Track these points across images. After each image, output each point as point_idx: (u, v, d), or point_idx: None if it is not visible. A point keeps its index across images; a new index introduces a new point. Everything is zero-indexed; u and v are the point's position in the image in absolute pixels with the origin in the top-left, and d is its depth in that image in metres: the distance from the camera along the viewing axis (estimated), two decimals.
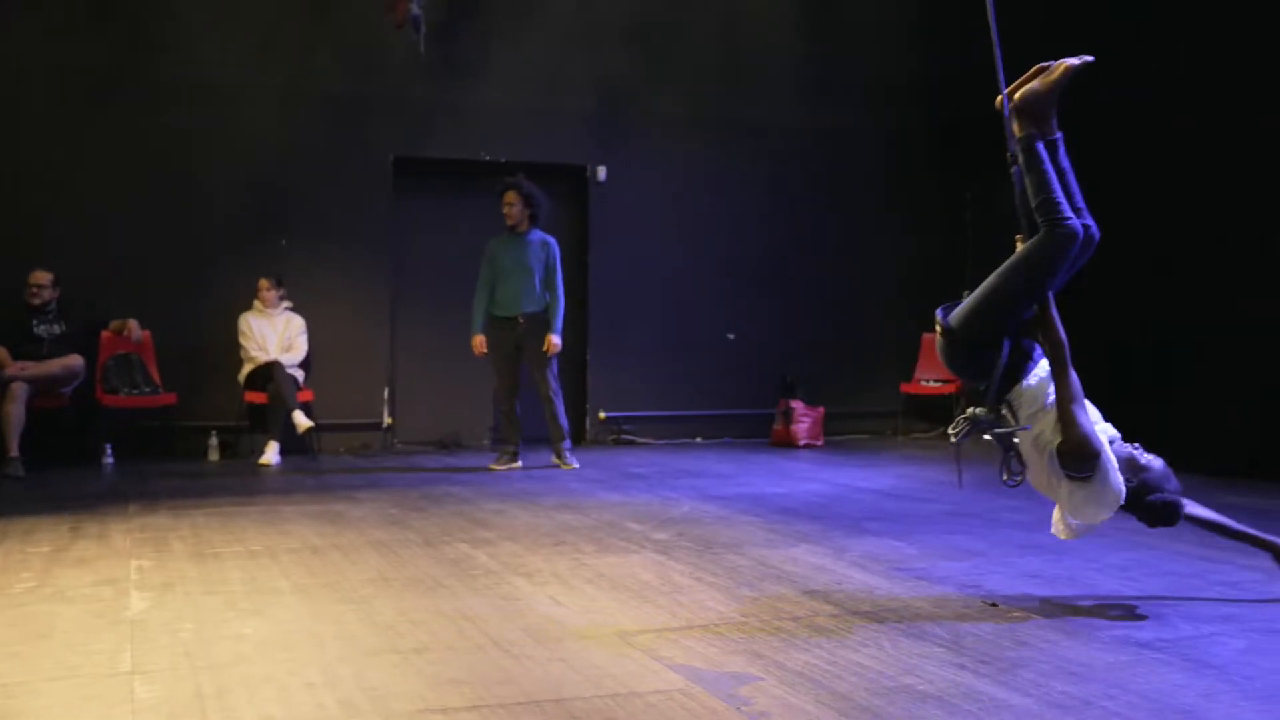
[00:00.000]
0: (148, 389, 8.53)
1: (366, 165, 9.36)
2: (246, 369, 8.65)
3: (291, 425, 8.38)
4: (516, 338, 8.09)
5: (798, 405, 9.78)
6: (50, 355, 8.14)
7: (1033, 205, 3.97)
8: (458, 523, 5.85)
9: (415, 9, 9.03)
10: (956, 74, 10.46)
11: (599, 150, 9.91)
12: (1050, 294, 3.99)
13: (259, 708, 2.99)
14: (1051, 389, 3.93)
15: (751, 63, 10.34)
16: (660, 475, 7.80)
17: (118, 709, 2.97)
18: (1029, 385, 3.99)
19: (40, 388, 8.03)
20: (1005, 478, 4.10)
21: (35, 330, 8.19)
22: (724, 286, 10.27)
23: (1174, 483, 4.03)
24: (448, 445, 9.45)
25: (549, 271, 8.14)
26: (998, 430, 4.01)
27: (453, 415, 9.60)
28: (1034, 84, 4.08)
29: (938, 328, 4.10)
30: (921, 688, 3.15)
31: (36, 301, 8.19)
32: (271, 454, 8.37)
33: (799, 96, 10.47)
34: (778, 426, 9.84)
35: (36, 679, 3.22)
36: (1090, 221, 4.07)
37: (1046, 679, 3.22)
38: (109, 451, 8.27)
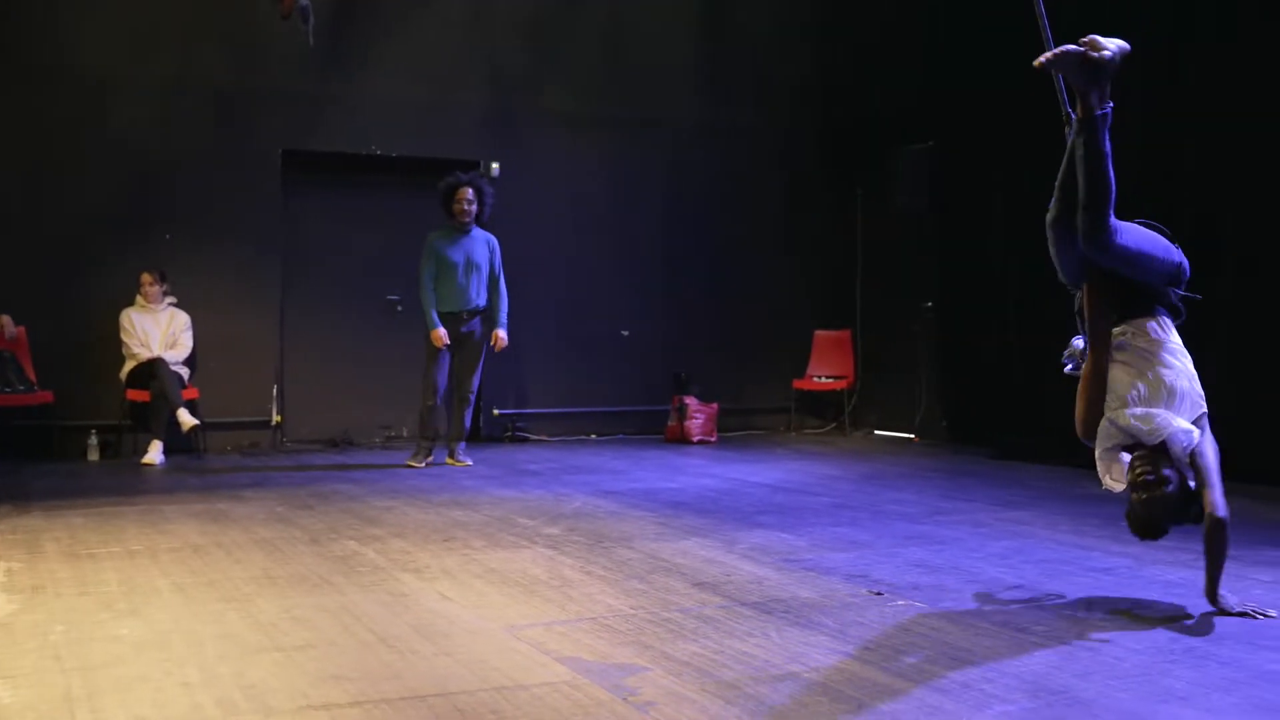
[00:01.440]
0: (22, 387, 8.23)
1: (254, 158, 9.15)
2: (128, 366, 8.41)
3: (176, 424, 8.17)
4: (458, 334, 8.03)
5: (691, 401, 9.83)
6: None
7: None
8: (346, 520, 5.76)
9: (302, 0, 8.86)
10: (848, 73, 10.63)
11: (492, 145, 9.83)
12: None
13: (132, 708, 2.90)
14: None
15: (645, 60, 10.36)
16: (553, 471, 7.78)
17: None
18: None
19: None
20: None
21: None
22: (618, 283, 10.28)
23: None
24: (338, 443, 9.29)
25: (494, 268, 8.17)
26: None
27: (344, 413, 9.44)
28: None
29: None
30: (807, 675, 3.19)
31: None
32: (155, 453, 8.15)
33: (693, 94, 10.52)
34: (672, 423, 9.88)
35: None
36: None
37: (929, 664, 3.29)
38: None
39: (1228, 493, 3.75)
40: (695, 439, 9.73)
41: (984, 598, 4.11)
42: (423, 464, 7.97)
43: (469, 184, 8.05)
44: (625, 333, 10.29)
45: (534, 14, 9.98)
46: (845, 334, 10.69)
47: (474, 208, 8.04)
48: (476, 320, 8.11)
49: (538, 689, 3.06)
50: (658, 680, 3.15)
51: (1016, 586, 4.28)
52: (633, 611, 3.90)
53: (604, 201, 10.32)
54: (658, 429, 10.06)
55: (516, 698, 2.99)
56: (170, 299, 8.65)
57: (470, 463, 8.11)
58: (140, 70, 8.82)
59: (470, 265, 8.05)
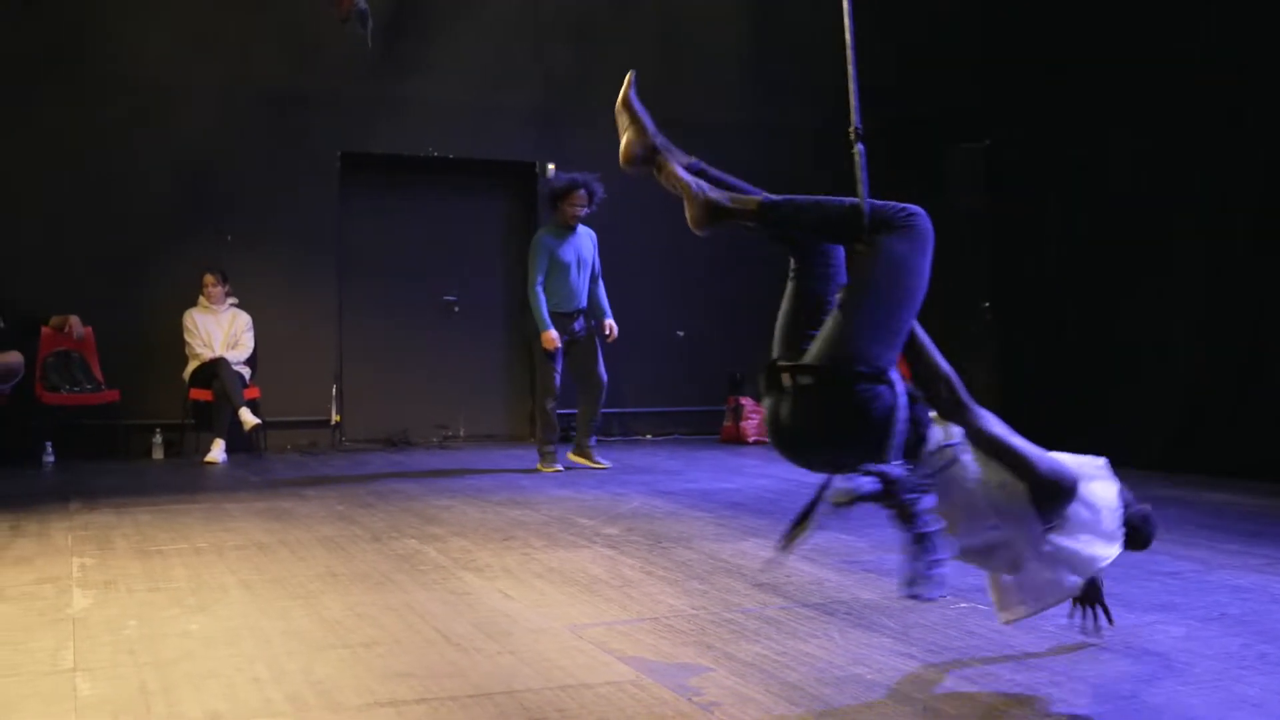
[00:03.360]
0: (89, 386, 8.40)
1: (313, 161, 9.28)
2: (191, 366, 8.55)
3: (237, 423, 8.29)
4: (571, 332, 7.98)
5: (747, 402, 9.82)
6: None
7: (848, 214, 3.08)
8: (406, 519, 5.82)
9: (361, 3, 8.97)
10: (899, 72, 10.56)
11: (547, 147, 9.89)
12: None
13: (205, 703, 2.95)
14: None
15: (695, 60, 10.37)
16: (609, 471, 7.80)
17: (60, 706, 2.93)
18: (937, 436, 3.02)
19: None
20: (914, 583, 2.85)
21: None
22: (673, 283, 10.29)
23: (1129, 493, 3.30)
24: (396, 443, 9.39)
25: (596, 263, 8.16)
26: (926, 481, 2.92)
27: (401, 412, 9.54)
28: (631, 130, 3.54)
29: (785, 379, 2.93)
30: (871, 677, 3.18)
31: None
32: (217, 452, 8.28)
33: (742, 94, 10.51)
34: (727, 423, 9.88)
35: None
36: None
37: (993, 667, 3.26)
38: (50, 450, 8.14)
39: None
40: (751, 439, 9.73)
41: None
42: (558, 468, 7.84)
43: (584, 185, 7.96)
44: (680, 333, 10.30)
45: (585, 15, 10.02)
46: None
47: (586, 210, 7.97)
48: (582, 317, 8.03)
49: (602, 688, 3.08)
50: (721, 681, 3.15)
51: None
52: (694, 612, 3.91)
53: (656, 202, 10.27)
54: (713, 429, 10.06)
55: (582, 696, 3.01)
56: (232, 300, 8.78)
57: (608, 465, 8.01)
58: (200, 75, 8.97)
59: (580, 264, 7.98)
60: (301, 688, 3.08)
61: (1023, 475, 2.92)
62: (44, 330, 8.44)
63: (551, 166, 9.87)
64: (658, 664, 3.30)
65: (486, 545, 5.11)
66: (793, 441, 3.01)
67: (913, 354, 3.01)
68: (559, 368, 7.93)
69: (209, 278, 8.62)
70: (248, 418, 8.24)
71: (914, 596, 2.84)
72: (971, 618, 3.82)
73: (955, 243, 10.25)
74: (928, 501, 2.87)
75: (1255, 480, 6.98)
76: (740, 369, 10.08)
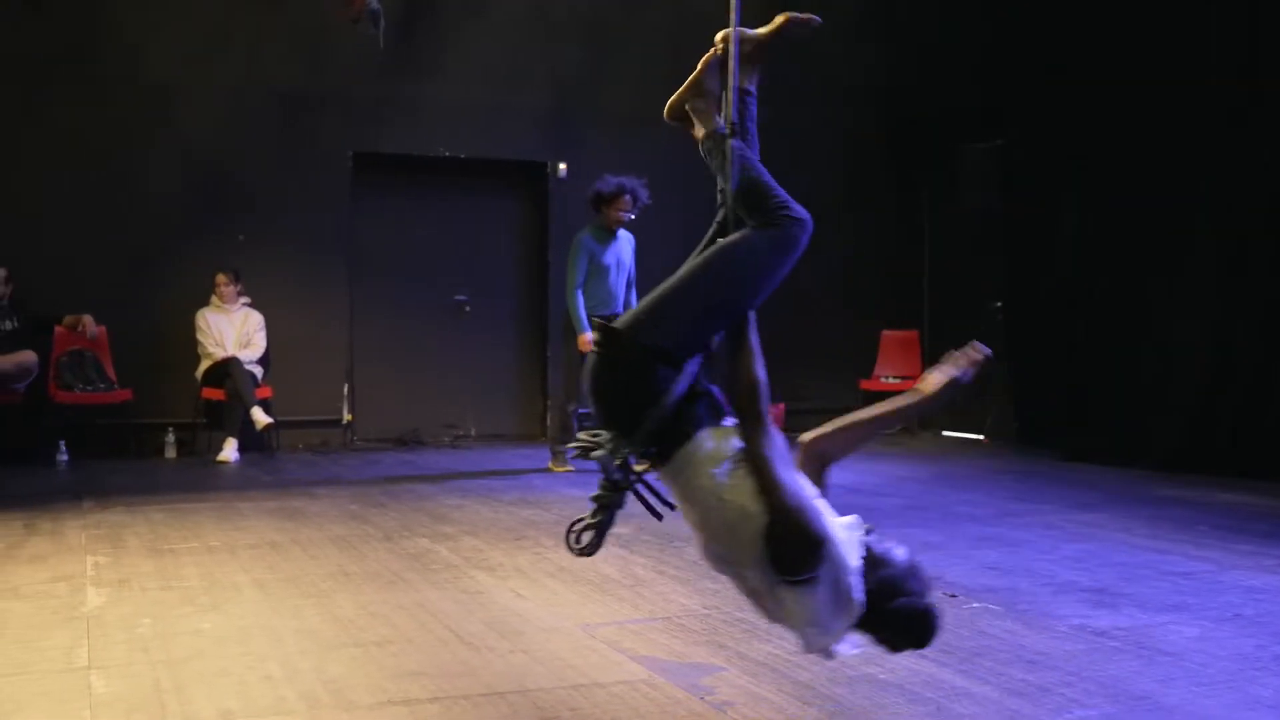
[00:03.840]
0: (103, 385, 8.42)
1: (325, 161, 9.29)
2: (204, 365, 8.57)
3: (250, 422, 8.31)
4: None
5: None
6: (2, 351, 8.02)
7: (745, 190, 2.99)
8: (418, 518, 5.82)
9: (373, 3, 8.97)
10: (913, 72, 10.55)
11: (559, 147, 9.89)
12: (753, 315, 2.85)
13: (218, 701, 2.96)
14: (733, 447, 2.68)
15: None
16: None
17: (74, 704, 2.94)
18: (707, 446, 2.68)
19: None
20: (572, 541, 2.91)
21: None
22: None
23: (919, 581, 2.68)
24: (407, 442, 9.39)
25: (632, 267, 7.96)
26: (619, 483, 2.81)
27: (412, 412, 9.55)
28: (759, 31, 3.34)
29: (597, 336, 2.80)
30: (883, 677, 3.18)
31: None
32: (229, 451, 8.29)
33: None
34: None
35: None
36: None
37: (1005, 667, 3.26)
38: (63, 449, 8.15)
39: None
40: None
41: (1059, 601, 4.06)
42: (570, 468, 7.67)
43: (630, 190, 7.83)
44: None
45: (595, 16, 10.01)
46: (913, 334, 10.61)
47: (630, 215, 7.85)
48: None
49: (615, 687, 3.08)
50: (734, 680, 3.15)
51: (1092, 590, 4.22)
52: (706, 611, 3.91)
53: (666, 202, 10.31)
54: None
55: (594, 695, 3.01)
56: (244, 299, 8.79)
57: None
58: (213, 75, 8.98)
59: (620, 267, 7.86)
60: (314, 686, 3.09)
61: (769, 507, 2.55)
62: (58, 329, 8.46)
63: (563, 166, 9.88)
64: (670, 663, 3.30)
65: (498, 544, 5.12)
66: (587, 390, 2.85)
67: (731, 352, 2.79)
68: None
69: (221, 277, 8.63)
70: (260, 417, 8.25)
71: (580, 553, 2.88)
72: (984, 618, 3.82)
73: (967, 243, 10.29)
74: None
75: (1268, 481, 6.95)
76: None
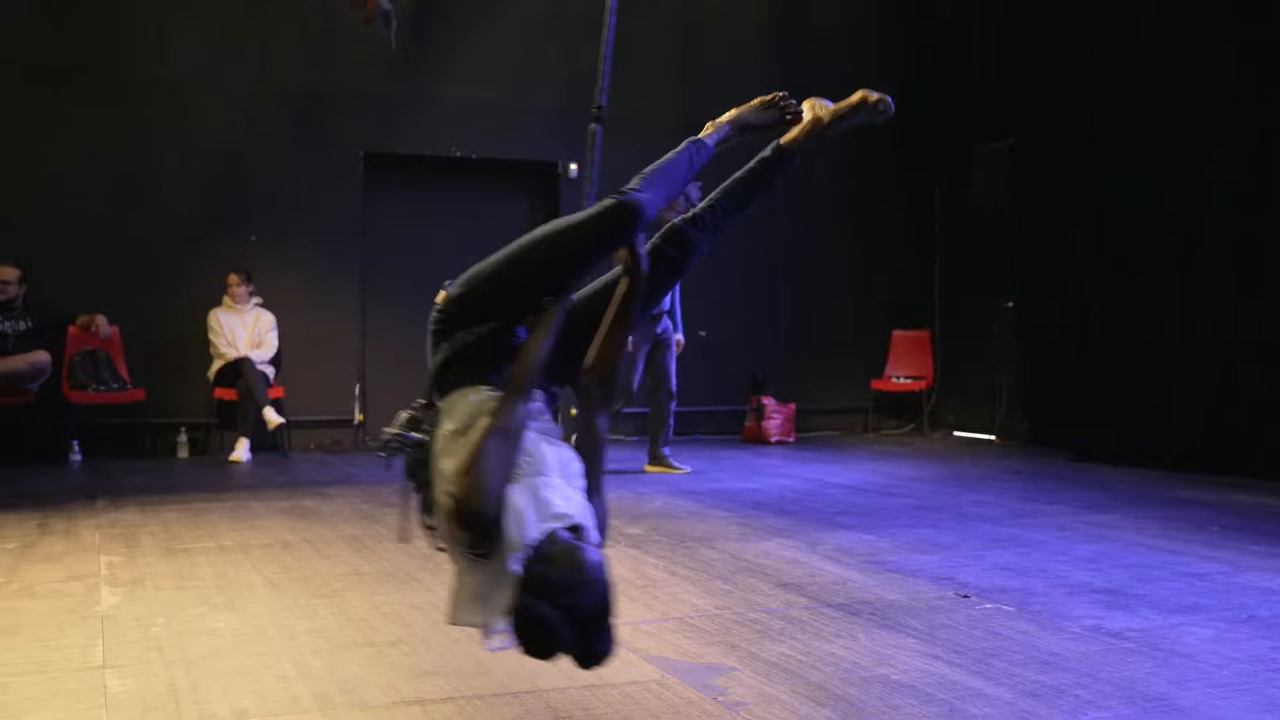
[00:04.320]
0: (115, 385, 8.45)
1: (336, 161, 9.31)
2: (216, 365, 8.59)
3: (262, 422, 8.33)
4: (654, 335, 7.80)
5: (769, 402, 9.81)
6: (16, 351, 8.05)
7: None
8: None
9: (385, 4, 9.00)
10: (923, 71, 10.54)
11: (569, 147, 9.89)
12: (570, 298, 2.80)
13: (233, 701, 2.97)
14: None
15: (718, 60, 10.35)
16: (632, 471, 7.80)
17: (90, 703, 2.95)
18: (475, 397, 2.66)
19: (5, 384, 7.95)
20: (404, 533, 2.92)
21: (0, 327, 8.10)
22: (694, 283, 10.27)
23: (573, 595, 2.32)
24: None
25: None
26: (402, 438, 2.78)
27: None
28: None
29: (441, 294, 2.85)
30: (896, 677, 3.17)
31: (2, 298, 8.11)
32: (242, 451, 8.32)
33: (765, 93, 10.47)
34: (749, 423, 9.87)
35: (4, 674, 3.19)
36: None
37: (1019, 668, 3.25)
38: (76, 448, 8.19)
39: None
40: (773, 439, 9.72)
41: (1073, 602, 4.05)
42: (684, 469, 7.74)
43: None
44: (702, 333, 10.29)
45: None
46: (924, 334, 10.59)
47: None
48: (666, 320, 7.90)
49: (628, 687, 3.08)
50: (746, 680, 3.15)
51: (1105, 591, 4.21)
52: (718, 612, 3.91)
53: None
54: (735, 429, 10.06)
55: (607, 695, 3.02)
56: (256, 299, 8.81)
57: (688, 469, 7.86)
58: (225, 75, 9.01)
59: None
60: (328, 685, 3.10)
61: (453, 476, 2.47)
62: (71, 330, 8.50)
63: (573, 166, 9.88)
64: (682, 663, 3.30)
65: None
66: None
67: (594, 334, 2.80)
68: (640, 370, 7.86)
69: (233, 277, 8.66)
70: (272, 417, 8.28)
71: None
72: (997, 618, 3.81)
73: (978, 242, 10.27)
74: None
75: None
76: (762, 369, 10.06)
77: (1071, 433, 8.79)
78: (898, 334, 10.67)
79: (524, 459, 2.51)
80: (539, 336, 2.68)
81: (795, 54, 10.55)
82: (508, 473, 2.47)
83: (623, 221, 2.82)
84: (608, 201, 2.84)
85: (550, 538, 2.39)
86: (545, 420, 2.72)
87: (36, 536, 5.29)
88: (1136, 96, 8.35)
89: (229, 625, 3.73)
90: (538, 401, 2.70)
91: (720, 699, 3.00)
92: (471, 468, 2.43)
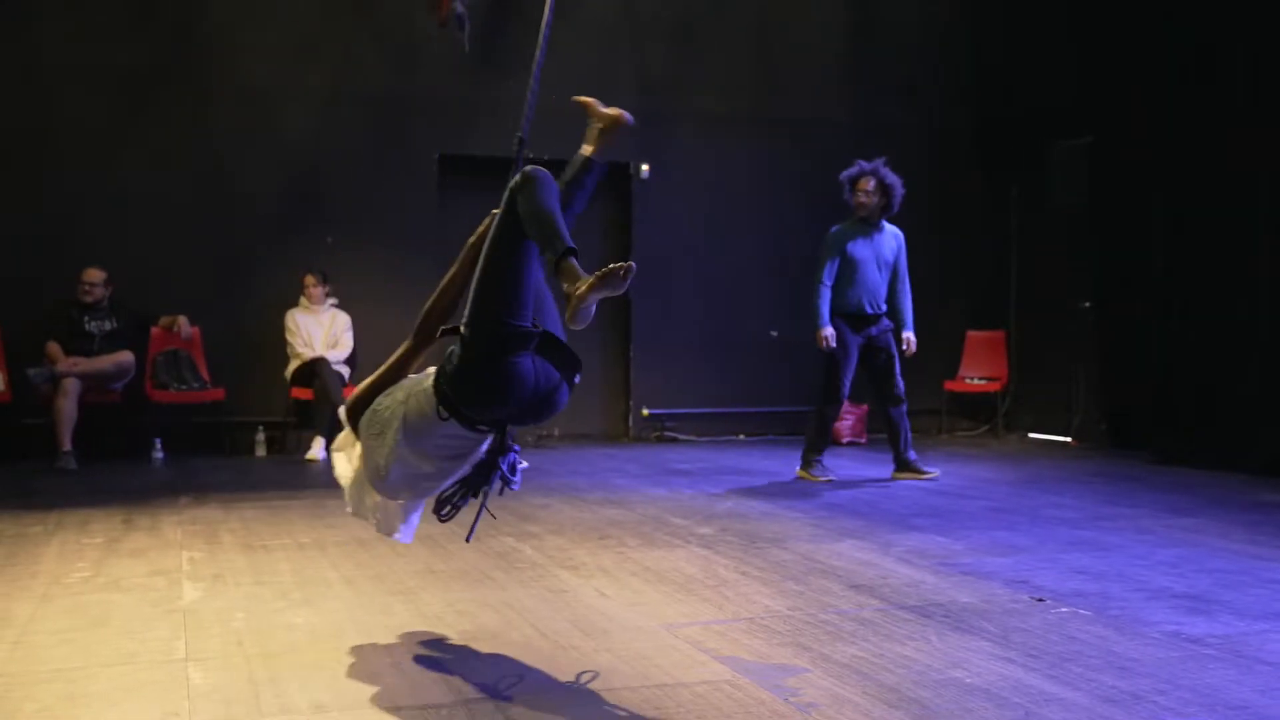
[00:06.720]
0: (196, 385, 8.63)
1: (411, 163, 9.43)
2: (293, 365, 8.73)
3: (338, 421, 8.44)
4: (868, 336, 7.40)
5: None
6: (101, 352, 8.26)
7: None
8: (503, 517, 5.87)
9: (459, 7, 9.09)
10: (1002, 69, 10.41)
11: (642, 148, 9.91)
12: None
13: (312, 694, 3.03)
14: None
15: (793, 60, 10.32)
16: (703, 471, 7.80)
17: (174, 694, 3.03)
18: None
19: (92, 383, 8.15)
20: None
21: (87, 327, 8.31)
22: (767, 283, 10.25)
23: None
24: None
25: (900, 265, 7.49)
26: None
27: None
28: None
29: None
30: (969, 680, 3.14)
31: (89, 299, 8.32)
32: (318, 450, 8.45)
33: (840, 94, 10.43)
34: None
35: (94, 665, 3.28)
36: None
37: (1096, 673, 3.20)
38: (159, 446, 8.38)
39: None
40: (845, 440, 9.65)
41: (1152, 607, 3.98)
42: (825, 477, 7.34)
43: (871, 173, 7.47)
44: (775, 333, 10.26)
45: (682, 16, 10.03)
46: (999, 334, 10.46)
47: (875, 199, 7.42)
48: (886, 320, 7.46)
49: (699, 687, 3.09)
50: (818, 682, 3.14)
51: (1187, 596, 4.13)
52: (790, 613, 3.90)
53: (753, 202, 10.32)
54: None
55: (678, 695, 3.02)
56: (332, 300, 8.95)
57: (937, 473, 7.43)
58: (304, 79, 9.16)
59: (880, 263, 7.39)
60: (402, 682, 3.14)
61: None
62: (154, 330, 8.70)
63: (645, 167, 9.91)
64: (754, 664, 3.30)
65: (583, 544, 5.15)
66: None
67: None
68: (845, 371, 7.33)
69: (309, 278, 8.80)
70: None
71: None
72: (1073, 622, 3.76)
73: (1055, 242, 10.11)
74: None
75: None
76: None
77: (1151, 435, 8.62)
78: (972, 334, 10.55)
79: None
80: (439, 295, 3.97)
81: (871, 52, 10.48)
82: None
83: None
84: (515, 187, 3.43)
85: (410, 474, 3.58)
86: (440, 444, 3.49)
87: (122, 532, 5.42)
88: (1222, 88, 8.17)
89: (306, 621, 3.80)
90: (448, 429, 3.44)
91: (792, 700, 2.99)
92: (361, 392, 3.97)
